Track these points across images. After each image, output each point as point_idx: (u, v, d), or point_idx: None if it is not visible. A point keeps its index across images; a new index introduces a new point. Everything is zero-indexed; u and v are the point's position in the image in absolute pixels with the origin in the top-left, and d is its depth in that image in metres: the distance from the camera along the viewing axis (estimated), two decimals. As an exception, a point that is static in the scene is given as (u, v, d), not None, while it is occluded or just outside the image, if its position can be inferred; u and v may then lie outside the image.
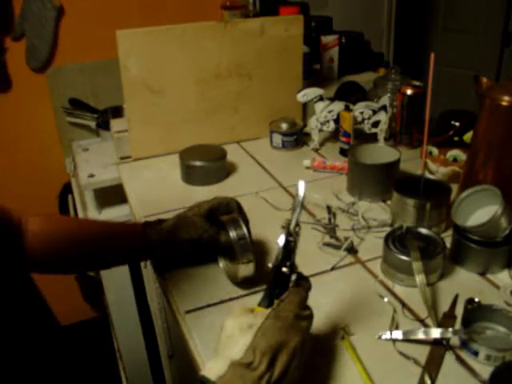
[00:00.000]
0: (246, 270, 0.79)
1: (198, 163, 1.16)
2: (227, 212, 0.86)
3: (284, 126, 1.34)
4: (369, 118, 1.24)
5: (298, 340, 0.55)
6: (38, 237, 0.78)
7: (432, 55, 0.83)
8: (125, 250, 0.85)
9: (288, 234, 0.61)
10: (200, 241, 0.83)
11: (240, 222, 0.81)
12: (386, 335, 0.71)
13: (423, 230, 0.87)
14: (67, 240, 0.81)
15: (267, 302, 0.60)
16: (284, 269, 0.60)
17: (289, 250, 0.61)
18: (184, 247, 0.84)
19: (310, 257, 0.91)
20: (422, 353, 0.69)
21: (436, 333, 0.70)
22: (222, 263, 0.86)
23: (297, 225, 0.62)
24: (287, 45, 1.34)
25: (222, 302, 0.80)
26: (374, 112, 1.24)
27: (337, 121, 1.28)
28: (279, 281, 0.60)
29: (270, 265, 0.61)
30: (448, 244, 0.87)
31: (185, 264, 0.87)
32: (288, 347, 0.54)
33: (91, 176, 1.57)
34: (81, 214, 1.67)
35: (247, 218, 0.87)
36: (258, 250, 0.89)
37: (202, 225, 0.83)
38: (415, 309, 0.77)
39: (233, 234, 0.79)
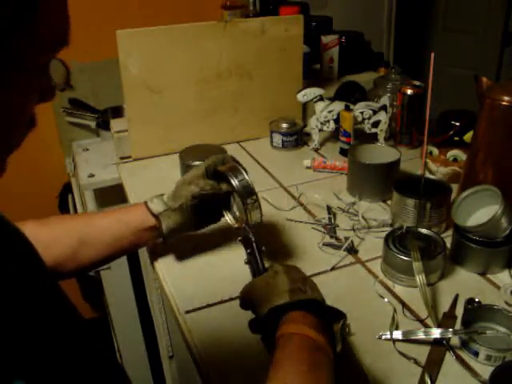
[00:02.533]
0: (254, 213, 0.79)
1: (197, 163, 1.15)
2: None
3: (284, 126, 1.34)
4: (369, 118, 1.24)
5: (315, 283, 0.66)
6: (36, 243, 0.76)
7: (432, 55, 0.83)
8: (131, 234, 0.84)
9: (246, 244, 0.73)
10: (202, 194, 0.82)
11: (238, 167, 0.82)
12: (386, 335, 0.71)
13: (423, 230, 0.87)
14: (71, 240, 0.80)
15: (259, 269, 0.69)
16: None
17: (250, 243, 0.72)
18: (187, 205, 0.83)
19: (310, 257, 0.91)
20: (422, 353, 0.69)
21: (436, 333, 0.70)
22: (228, 217, 0.85)
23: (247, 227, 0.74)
24: (287, 45, 1.34)
25: (221, 301, 0.80)
26: (374, 112, 1.24)
27: (337, 121, 1.28)
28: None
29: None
30: (448, 244, 0.87)
31: (192, 225, 0.86)
32: (309, 279, 0.65)
33: (91, 176, 1.57)
34: (81, 214, 1.67)
35: (245, 168, 0.86)
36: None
37: (201, 180, 0.83)
38: (415, 309, 0.77)
39: (233, 179, 0.80)
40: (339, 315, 0.62)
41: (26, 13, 0.35)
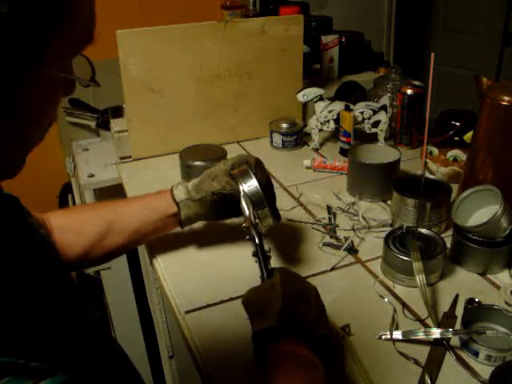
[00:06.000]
0: (263, 221, 0.79)
1: (197, 163, 1.15)
2: None
3: (284, 126, 1.34)
4: (369, 118, 1.24)
5: (313, 287, 0.64)
6: (65, 232, 0.79)
7: (432, 55, 0.83)
8: (157, 220, 0.86)
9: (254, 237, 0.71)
10: (222, 193, 0.84)
11: (249, 172, 0.81)
12: (386, 335, 0.71)
13: (423, 230, 0.87)
14: (98, 227, 0.82)
15: (266, 272, 0.68)
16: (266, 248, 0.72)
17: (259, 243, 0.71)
18: (207, 200, 0.85)
19: (310, 257, 0.91)
20: (422, 353, 0.69)
21: (436, 333, 0.70)
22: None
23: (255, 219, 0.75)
24: (287, 45, 1.34)
25: (222, 301, 0.80)
26: (374, 112, 1.24)
27: (337, 121, 1.28)
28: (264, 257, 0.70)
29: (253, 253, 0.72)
30: (448, 244, 0.87)
31: (211, 216, 0.88)
32: (306, 293, 0.63)
33: (91, 176, 1.57)
34: (81, 214, 1.67)
35: (267, 174, 0.86)
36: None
37: (224, 178, 0.85)
38: (415, 309, 0.77)
39: (241, 185, 0.80)
40: (328, 342, 0.60)
41: (60, 9, 0.37)
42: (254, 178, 0.80)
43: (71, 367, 0.38)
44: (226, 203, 0.85)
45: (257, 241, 0.71)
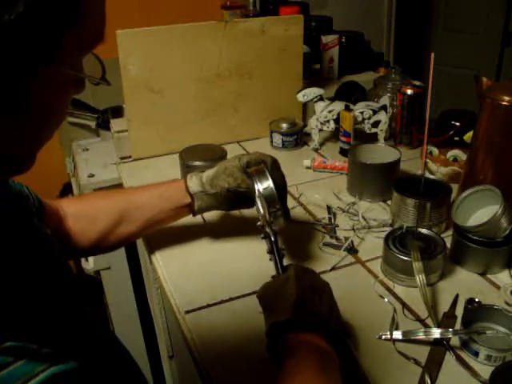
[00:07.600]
0: (276, 221, 0.80)
1: (197, 163, 1.15)
2: None
3: (284, 126, 1.34)
4: (369, 118, 1.24)
5: (328, 285, 0.66)
6: (80, 219, 0.80)
7: (432, 55, 0.83)
8: (170, 210, 0.87)
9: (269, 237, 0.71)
10: (237, 190, 0.84)
11: (266, 173, 0.81)
12: (386, 335, 0.71)
13: (423, 230, 0.87)
14: (113, 214, 0.83)
15: (281, 269, 0.68)
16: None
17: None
18: (221, 195, 0.85)
19: (310, 257, 0.91)
20: (422, 353, 0.69)
21: (436, 333, 0.70)
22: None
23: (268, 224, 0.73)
24: (287, 45, 1.34)
25: (222, 301, 0.80)
26: (374, 112, 1.24)
27: (337, 121, 1.28)
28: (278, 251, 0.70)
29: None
30: (448, 244, 0.87)
31: (224, 208, 0.90)
32: (320, 287, 0.65)
33: (91, 176, 1.57)
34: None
35: (283, 174, 0.87)
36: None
37: (240, 175, 0.85)
38: (415, 309, 0.77)
39: (258, 184, 0.80)
40: (341, 335, 0.62)
41: (73, 9, 0.38)
42: (270, 179, 0.80)
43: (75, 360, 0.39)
44: (239, 197, 0.86)
45: (272, 238, 0.71)
